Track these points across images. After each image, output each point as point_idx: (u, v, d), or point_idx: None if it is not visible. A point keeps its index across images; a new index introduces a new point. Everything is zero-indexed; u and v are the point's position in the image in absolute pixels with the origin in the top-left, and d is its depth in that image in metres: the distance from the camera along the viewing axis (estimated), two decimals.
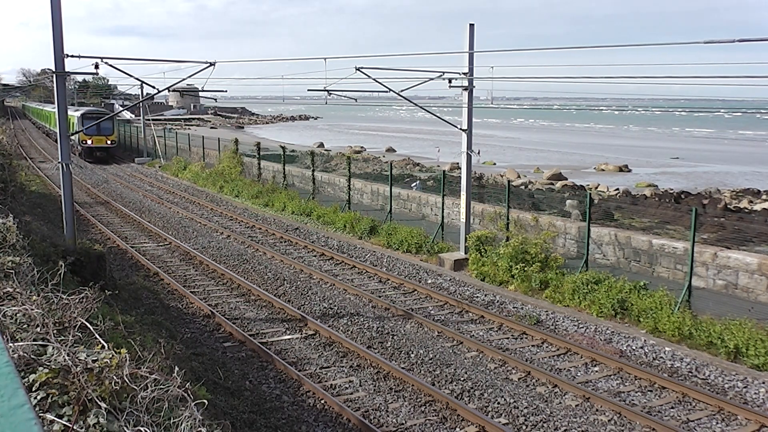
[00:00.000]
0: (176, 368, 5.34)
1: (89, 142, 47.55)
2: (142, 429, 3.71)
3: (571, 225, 19.24)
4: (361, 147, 74.93)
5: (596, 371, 12.10)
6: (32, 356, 4.25)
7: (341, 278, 17.93)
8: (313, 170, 30.12)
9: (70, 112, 51.45)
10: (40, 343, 4.68)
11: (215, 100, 46.92)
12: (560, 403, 10.69)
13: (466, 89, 19.00)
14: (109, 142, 48.39)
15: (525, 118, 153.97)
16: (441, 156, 61.00)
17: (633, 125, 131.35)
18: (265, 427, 9.53)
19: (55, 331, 4.95)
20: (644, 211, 25.67)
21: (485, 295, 16.48)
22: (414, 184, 28.04)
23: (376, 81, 18.71)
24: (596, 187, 43.02)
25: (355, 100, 21.93)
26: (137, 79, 19.51)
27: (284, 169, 32.16)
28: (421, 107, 21.73)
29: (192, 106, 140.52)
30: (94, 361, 4.35)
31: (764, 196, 38.81)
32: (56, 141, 52.23)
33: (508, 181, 23.91)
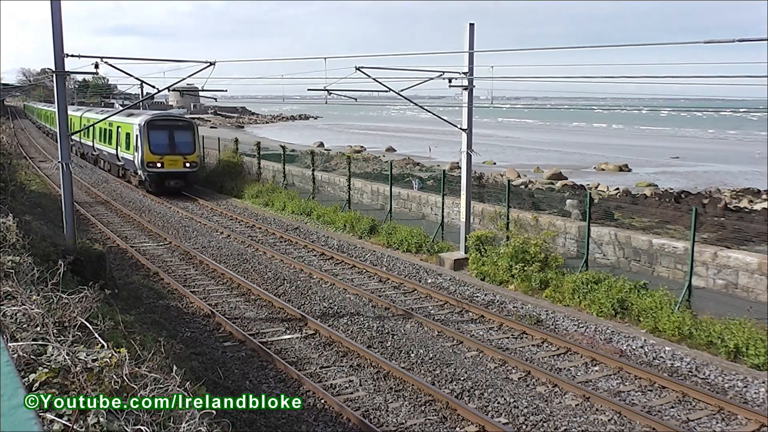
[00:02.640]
0: (176, 367, 5.34)
1: (159, 165, 30.89)
2: (141, 428, 3.71)
3: (571, 224, 19.24)
4: (361, 146, 74.91)
5: (596, 371, 12.09)
6: (32, 356, 4.25)
7: (341, 278, 17.92)
8: (313, 170, 30.12)
9: (123, 119, 33.37)
10: (40, 342, 4.69)
11: (215, 99, 46.85)
12: (560, 402, 10.69)
13: (465, 89, 19.00)
14: (188, 165, 31.53)
15: (511, 117, 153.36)
16: (439, 155, 61.00)
17: (622, 124, 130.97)
18: (265, 426, 9.53)
19: (54, 331, 4.95)
20: (644, 211, 25.67)
21: (485, 295, 16.47)
22: (414, 182, 28.02)
23: (376, 81, 18.70)
24: (596, 187, 43.01)
25: (355, 99, 21.93)
26: (137, 78, 19.51)
27: (284, 168, 32.15)
28: (421, 107, 21.73)
29: (192, 106, 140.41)
30: (93, 361, 4.35)
31: (764, 196, 38.80)
32: (84, 156, 45.81)
33: (508, 181, 23.91)
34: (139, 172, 31.88)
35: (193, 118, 44.65)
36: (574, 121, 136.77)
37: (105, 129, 37.52)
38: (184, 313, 14.91)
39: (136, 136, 31.20)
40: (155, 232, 23.47)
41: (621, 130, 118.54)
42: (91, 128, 39.84)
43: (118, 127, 34.94)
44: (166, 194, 31.29)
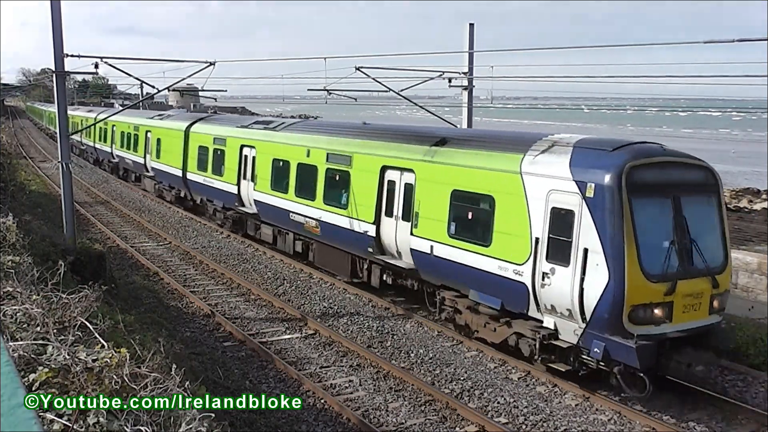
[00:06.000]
0: (175, 367, 5.34)
1: (661, 313, 10.05)
2: (141, 428, 3.71)
3: None
4: None
5: None
6: (32, 355, 4.26)
7: (341, 277, 17.89)
8: None
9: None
10: (41, 342, 4.69)
11: (215, 99, 46.74)
12: (560, 402, 10.69)
13: (465, 89, 19.02)
14: (715, 304, 10.63)
15: (496, 117, 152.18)
16: None
17: (606, 124, 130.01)
18: (265, 426, 9.53)
19: (55, 331, 4.96)
20: None
21: None
22: None
23: (376, 81, 18.74)
24: None
25: (355, 99, 21.94)
26: (137, 78, 19.55)
27: None
28: (420, 106, 21.76)
29: (192, 106, 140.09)
30: (94, 361, 4.35)
31: (764, 196, 38.79)
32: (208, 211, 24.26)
33: None
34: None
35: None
36: (556, 122, 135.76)
37: (332, 172, 16.54)
38: (184, 313, 14.91)
39: (575, 215, 10.38)
40: (155, 232, 23.46)
41: (609, 130, 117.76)
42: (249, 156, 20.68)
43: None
44: None
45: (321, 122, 21.25)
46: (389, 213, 14.50)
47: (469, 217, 12.49)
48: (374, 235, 14.75)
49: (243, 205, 21.08)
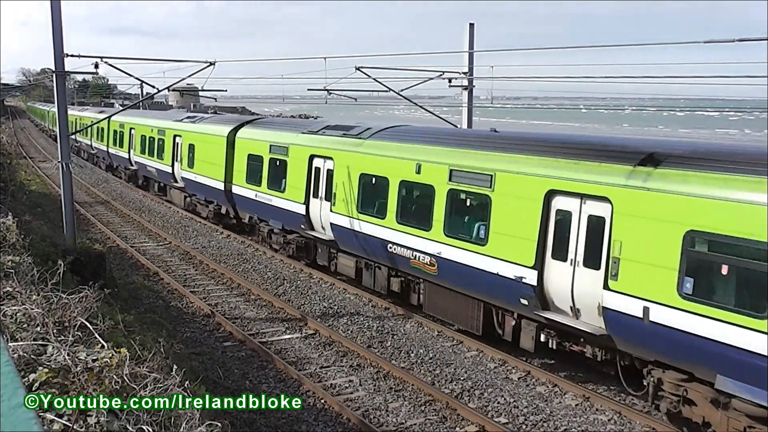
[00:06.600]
0: (175, 367, 5.35)
1: None
2: (143, 428, 3.72)
3: None
4: None
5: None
6: (32, 356, 4.26)
7: (341, 277, 17.89)
8: None
9: None
10: (40, 342, 4.69)
11: (215, 99, 46.76)
12: (560, 402, 10.69)
13: (465, 89, 19.03)
14: None
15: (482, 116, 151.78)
16: None
17: (605, 124, 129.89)
18: (265, 426, 9.53)
19: (55, 331, 4.96)
20: None
21: None
22: None
23: (376, 80, 18.76)
24: None
25: (355, 99, 21.95)
26: (137, 78, 19.54)
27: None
28: (420, 106, 21.78)
29: (192, 106, 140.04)
30: (94, 361, 4.36)
31: None
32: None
33: None
34: None
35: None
36: (555, 122, 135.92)
37: None
38: (184, 313, 14.91)
39: None
40: (155, 232, 23.46)
41: (607, 129, 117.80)
42: None
43: None
44: None
45: (434, 129, 16.37)
46: (560, 255, 10.67)
47: (723, 272, 8.68)
48: (534, 283, 10.85)
49: (313, 229, 17.47)
